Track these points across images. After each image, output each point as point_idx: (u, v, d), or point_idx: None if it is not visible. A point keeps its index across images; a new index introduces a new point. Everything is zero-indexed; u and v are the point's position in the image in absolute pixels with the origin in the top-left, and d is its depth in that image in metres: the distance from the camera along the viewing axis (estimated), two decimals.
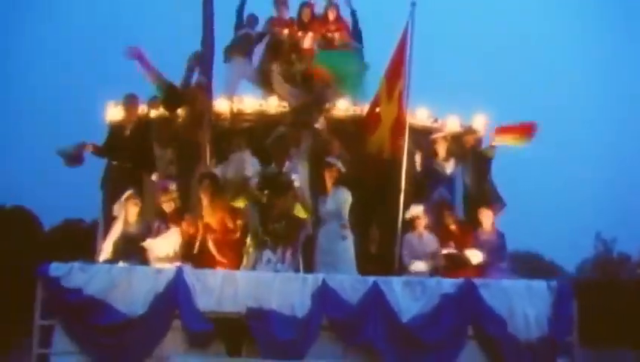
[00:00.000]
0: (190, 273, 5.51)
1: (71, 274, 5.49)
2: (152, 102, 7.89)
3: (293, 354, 5.30)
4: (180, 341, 5.41)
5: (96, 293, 5.42)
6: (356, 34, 8.88)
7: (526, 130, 7.74)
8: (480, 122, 8.08)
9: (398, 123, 6.99)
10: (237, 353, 5.40)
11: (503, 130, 7.73)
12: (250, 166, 6.68)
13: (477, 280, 5.83)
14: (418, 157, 7.68)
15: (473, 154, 7.80)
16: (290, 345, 5.31)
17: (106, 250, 6.43)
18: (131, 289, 5.44)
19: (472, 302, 5.64)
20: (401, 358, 5.41)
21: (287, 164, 6.84)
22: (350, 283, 5.70)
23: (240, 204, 6.30)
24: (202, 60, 7.01)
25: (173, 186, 6.54)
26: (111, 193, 6.93)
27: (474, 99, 8.94)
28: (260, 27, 9.02)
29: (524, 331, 5.67)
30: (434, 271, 6.53)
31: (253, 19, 8.90)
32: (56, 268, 5.51)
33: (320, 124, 7.34)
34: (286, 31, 8.64)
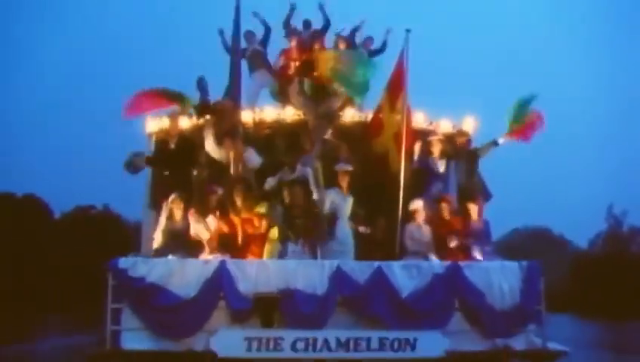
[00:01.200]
0: (231, 263, 7.04)
1: (135, 266, 7.00)
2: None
3: (315, 325, 6.82)
4: (224, 317, 6.90)
5: (156, 280, 6.91)
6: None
7: (532, 126, 9.15)
8: (469, 124, 9.56)
9: (400, 136, 8.42)
10: (270, 325, 6.89)
11: (511, 132, 9.16)
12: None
13: (461, 263, 7.37)
14: (417, 149, 9.15)
15: (464, 153, 9.31)
16: (312, 318, 6.84)
17: (156, 241, 7.99)
18: (185, 277, 6.94)
19: (457, 280, 7.16)
20: (401, 326, 6.92)
21: (298, 167, 8.39)
22: (359, 267, 7.21)
23: (262, 209, 7.81)
24: (231, 86, 8.46)
25: (219, 190, 8.04)
26: (161, 197, 8.47)
27: (465, 102, 10.41)
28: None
29: (500, 302, 7.21)
30: (431, 256, 8.06)
31: (251, 35, 10.30)
32: (123, 262, 7.02)
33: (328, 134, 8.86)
34: (295, 63, 10.05)
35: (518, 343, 7.28)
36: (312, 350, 6.70)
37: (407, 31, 8.33)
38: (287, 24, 10.45)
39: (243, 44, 10.05)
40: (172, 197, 7.94)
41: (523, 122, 8.98)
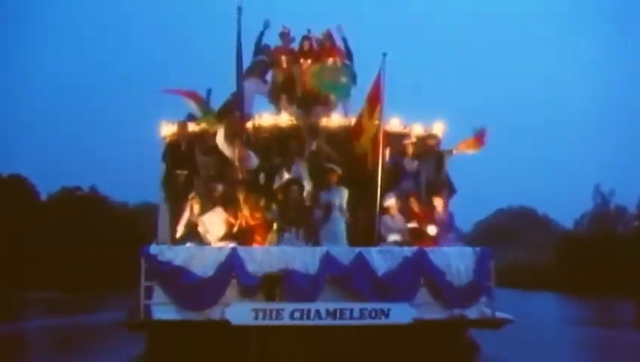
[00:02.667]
0: (241, 249, 9.07)
1: (163, 252, 9.00)
2: (192, 119, 11.39)
3: (309, 298, 8.82)
4: (235, 292, 8.91)
5: (181, 263, 8.89)
6: (349, 55, 12.34)
7: (479, 141, 11.25)
8: (439, 128, 11.58)
9: (377, 140, 10.42)
10: (272, 299, 8.90)
11: (462, 144, 11.25)
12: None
13: (427, 248, 9.45)
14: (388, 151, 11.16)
15: (433, 154, 11.34)
16: (306, 292, 8.85)
17: (180, 230, 9.98)
18: (203, 260, 8.93)
19: (422, 262, 9.22)
20: (377, 299, 8.95)
21: (293, 168, 10.43)
22: (344, 252, 9.26)
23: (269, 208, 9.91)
24: (237, 98, 10.42)
25: (220, 187, 10.04)
26: (174, 192, 10.50)
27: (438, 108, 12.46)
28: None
29: (457, 279, 9.27)
30: (403, 243, 10.11)
31: (266, 48, 12.28)
32: (153, 249, 9.04)
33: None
34: (284, 57, 12.06)
35: (472, 313, 9.38)
36: (307, 318, 8.71)
37: (384, 54, 10.30)
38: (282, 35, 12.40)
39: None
40: (192, 195, 9.96)
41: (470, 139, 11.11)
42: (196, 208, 9.84)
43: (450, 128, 11.74)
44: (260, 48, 12.05)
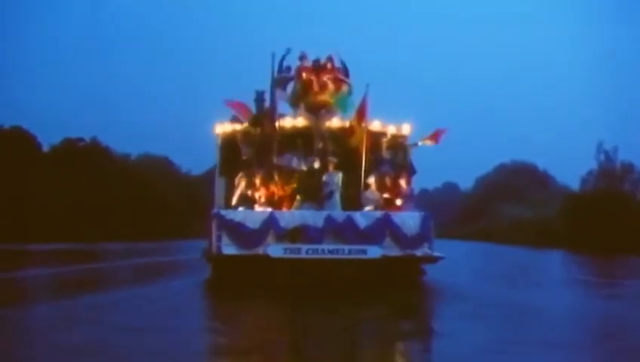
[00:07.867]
0: (276, 212, 16.83)
1: (228, 213, 16.84)
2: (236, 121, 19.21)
3: (317, 242, 16.40)
4: (273, 237, 16.57)
5: (240, 220, 16.55)
6: (346, 72, 20.07)
7: (435, 137, 19.12)
8: (406, 128, 19.33)
9: (362, 140, 18.15)
10: (295, 242, 16.48)
11: (426, 139, 19.10)
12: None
13: (391, 212, 17.28)
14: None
15: (401, 147, 19.16)
16: (315, 238, 16.46)
17: (235, 199, 17.82)
18: (253, 218, 16.63)
19: (387, 220, 17.00)
20: (360, 243, 16.58)
21: (309, 158, 18.25)
22: (339, 214, 16.98)
23: (292, 185, 17.76)
24: (271, 107, 18.18)
25: (261, 171, 17.90)
26: (227, 173, 18.37)
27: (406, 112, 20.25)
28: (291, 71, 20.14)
29: (409, 231, 17.05)
30: (378, 208, 17.96)
31: (288, 68, 19.93)
32: (222, 212, 16.88)
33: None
34: (305, 75, 19.78)
35: (419, 252, 17.15)
36: (316, 254, 16.28)
37: (367, 85, 18.05)
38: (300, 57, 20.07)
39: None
40: (240, 174, 17.79)
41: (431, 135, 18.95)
42: (242, 184, 17.67)
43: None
44: (282, 68, 19.75)
